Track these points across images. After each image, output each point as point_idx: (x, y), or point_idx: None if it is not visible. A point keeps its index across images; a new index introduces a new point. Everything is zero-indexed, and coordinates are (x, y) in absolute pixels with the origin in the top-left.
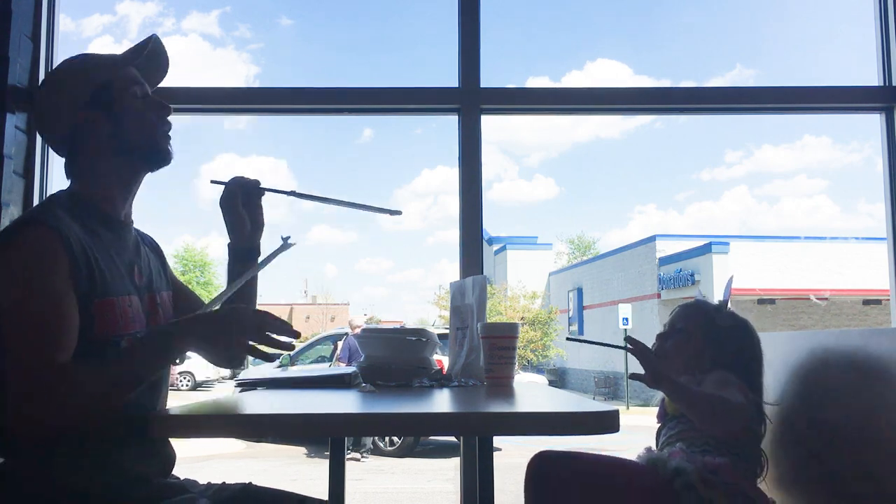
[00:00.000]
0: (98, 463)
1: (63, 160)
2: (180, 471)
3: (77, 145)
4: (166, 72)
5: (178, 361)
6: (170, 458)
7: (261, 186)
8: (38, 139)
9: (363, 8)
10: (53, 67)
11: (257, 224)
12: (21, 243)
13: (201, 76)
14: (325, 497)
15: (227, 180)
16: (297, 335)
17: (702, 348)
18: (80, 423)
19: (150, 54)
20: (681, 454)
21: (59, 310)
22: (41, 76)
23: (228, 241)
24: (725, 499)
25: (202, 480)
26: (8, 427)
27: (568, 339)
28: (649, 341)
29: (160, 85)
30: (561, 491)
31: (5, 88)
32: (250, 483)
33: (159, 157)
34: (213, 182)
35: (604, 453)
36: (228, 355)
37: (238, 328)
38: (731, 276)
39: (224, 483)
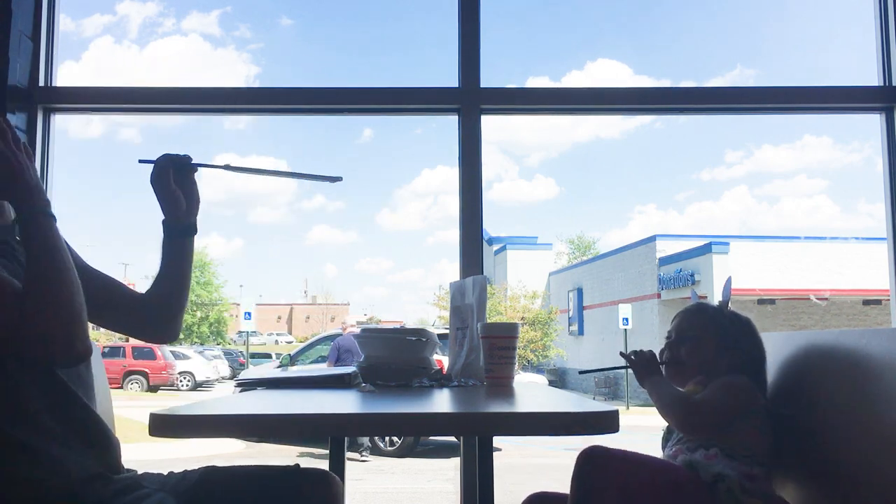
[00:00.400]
0: (48, 463)
1: None
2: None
3: None
4: None
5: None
6: (116, 449)
7: (192, 162)
8: (38, 139)
9: (363, 8)
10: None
11: (193, 200)
12: None
13: (201, 76)
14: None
15: (155, 158)
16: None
17: (715, 353)
18: (78, 324)
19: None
20: (719, 458)
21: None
22: (41, 76)
23: (163, 217)
24: None
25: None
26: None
27: (581, 372)
28: (649, 342)
29: (167, 85)
30: (606, 488)
31: (5, 88)
32: (211, 465)
33: None
34: (140, 161)
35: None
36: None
37: None
38: (730, 277)
39: (186, 471)
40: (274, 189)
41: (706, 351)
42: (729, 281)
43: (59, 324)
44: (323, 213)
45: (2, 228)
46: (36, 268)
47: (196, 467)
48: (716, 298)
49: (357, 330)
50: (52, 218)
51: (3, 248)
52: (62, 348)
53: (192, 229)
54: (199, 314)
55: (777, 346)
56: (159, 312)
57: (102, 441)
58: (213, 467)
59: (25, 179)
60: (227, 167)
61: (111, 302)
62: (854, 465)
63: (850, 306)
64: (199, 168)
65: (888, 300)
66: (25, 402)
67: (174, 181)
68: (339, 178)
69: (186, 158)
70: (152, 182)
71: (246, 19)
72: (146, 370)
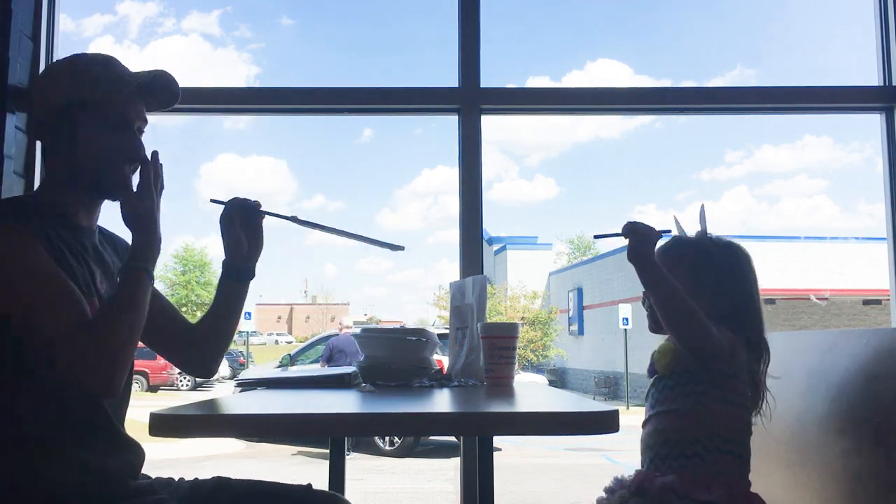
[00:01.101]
0: (66, 462)
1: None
2: (180, 471)
3: (44, 143)
4: (171, 103)
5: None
6: (139, 457)
7: (261, 210)
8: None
9: (363, 8)
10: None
11: (256, 246)
12: (7, 243)
13: (202, 76)
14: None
15: (226, 200)
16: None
17: (697, 300)
18: (126, 361)
19: (151, 86)
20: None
21: (62, 276)
22: None
23: (224, 258)
24: None
25: (177, 478)
26: (81, 388)
27: (595, 236)
28: (649, 341)
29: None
30: None
31: (5, 88)
32: (223, 478)
33: (108, 195)
34: (212, 201)
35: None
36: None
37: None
38: (703, 205)
39: (196, 479)
40: (274, 189)
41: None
42: (703, 209)
43: (106, 367)
44: (323, 213)
45: (84, 230)
46: (112, 311)
47: (207, 477)
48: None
49: (353, 330)
50: (151, 278)
51: (79, 249)
52: (96, 386)
53: (250, 273)
54: (199, 314)
55: (777, 347)
56: (206, 351)
57: (124, 447)
58: (225, 480)
59: (155, 234)
60: (293, 219)
61: (168, 332)
62: (854, 465)
63: (850, 306)
64: (266, 215)
65: (888, 300)
66: (51, 405)
67: (240, 225)
68: (400, 248)
69: (256, 205)
70: (221, 223)
71: (246, 19)
72: (146, 370)
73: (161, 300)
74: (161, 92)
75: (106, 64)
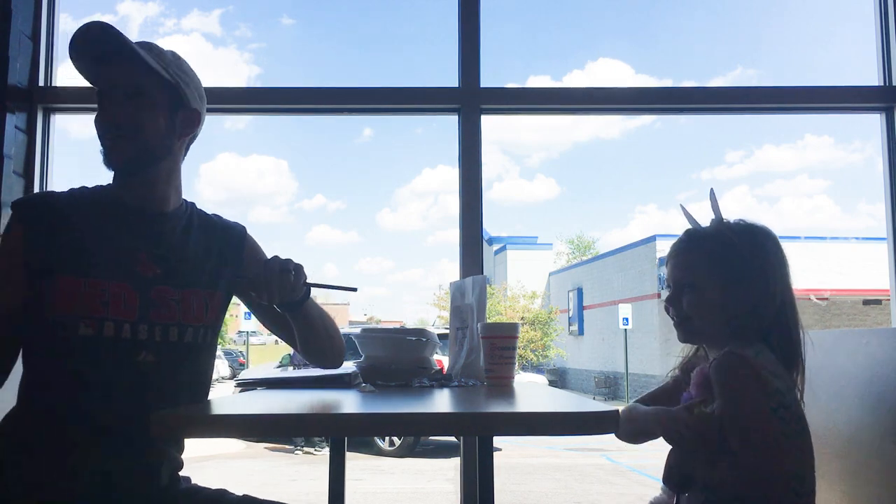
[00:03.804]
0: (91, 462)
1: None
2: (180, 471)
3: None
4: (106, 48)
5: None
6: (176, 462)
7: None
8: (38, 139)
9: (363, 8)
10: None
11: (281, 292)
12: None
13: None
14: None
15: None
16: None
17: (722, 299)
18: None
19: (74, 43)
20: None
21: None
22: (41, 76)
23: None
24: None
25: (198, 481)
26: None
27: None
28: (649, 341)
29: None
30: None
31: (5, 88)
32: (224, 490)
33: (105, 161)
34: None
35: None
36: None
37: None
38: (712, 189)
39: (196, 485)
40: (274, 189)
41: (712, 299)
42: (713, 193)
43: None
44: (323, 213)
45: (130, 209)
46: (322, 323)
47: (212, 487)
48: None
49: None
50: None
51: (118, 227)
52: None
53: (296, 306)
54: None
55: None
56: (322, 359)
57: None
58: (221, 492)
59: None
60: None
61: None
62: (854, 466)
63: (850, 306)
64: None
65: (888, 300)
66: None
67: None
68: (354, 289)
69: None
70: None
71: (247, 19)
72: None
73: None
74: (86, 44)
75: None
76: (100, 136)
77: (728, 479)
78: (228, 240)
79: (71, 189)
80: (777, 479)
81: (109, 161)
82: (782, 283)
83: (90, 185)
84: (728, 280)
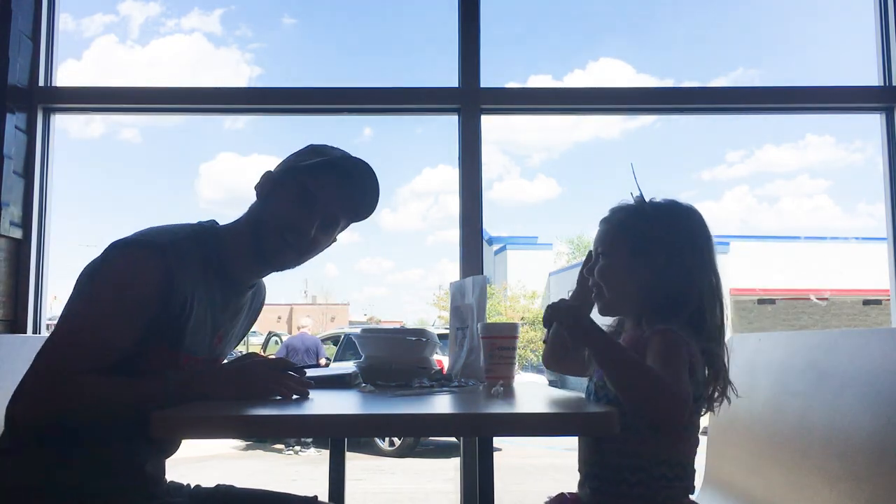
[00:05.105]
0: (105, 462)
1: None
2: (180, 471)
3: (258, 202)
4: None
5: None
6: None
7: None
8: (38, 139)
9: (363, 7)
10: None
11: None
12: (128, 258)
13: (203, 76)
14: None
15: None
16: (309, 384)
17: (627, 276)
18: (76, 425)
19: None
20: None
21: (115, 329)
22: (41, 76)
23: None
24: None
25: (197, 481)
26: (14, 416)
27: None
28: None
29: (167, 85)
30: None
31: (5, 88)
32: (223, 484)
33: (261, 253)
34: None
35: None
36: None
37: (256, 387)
38: (632, 163)
39: (199, 486)
40: None
41: (618, 268)
42: (632, 167)
43: (36, 406)
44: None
45: (235, 283)
46: (100, 389)
47: (210, 483)
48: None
49: (306, 330)
50: (156, 408)
51: (218, 302)
52: (16, 410)
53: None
54: None
55: (777, 347)
56: None
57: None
58: (226, 487)
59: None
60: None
61: None
62: (853, 466)
63: (850, 306)
64: None
65: (888, 300)
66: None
67: None
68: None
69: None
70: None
71: (247, 18)
72: None
73: None
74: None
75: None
76: (283, 231)
77: (614, 461)
78: (258, 305)
79: (179, 233)
80: (663, 461)
81: (273, 259)
82: (699, 263)
83: (178, 218)
84: (634, 250)
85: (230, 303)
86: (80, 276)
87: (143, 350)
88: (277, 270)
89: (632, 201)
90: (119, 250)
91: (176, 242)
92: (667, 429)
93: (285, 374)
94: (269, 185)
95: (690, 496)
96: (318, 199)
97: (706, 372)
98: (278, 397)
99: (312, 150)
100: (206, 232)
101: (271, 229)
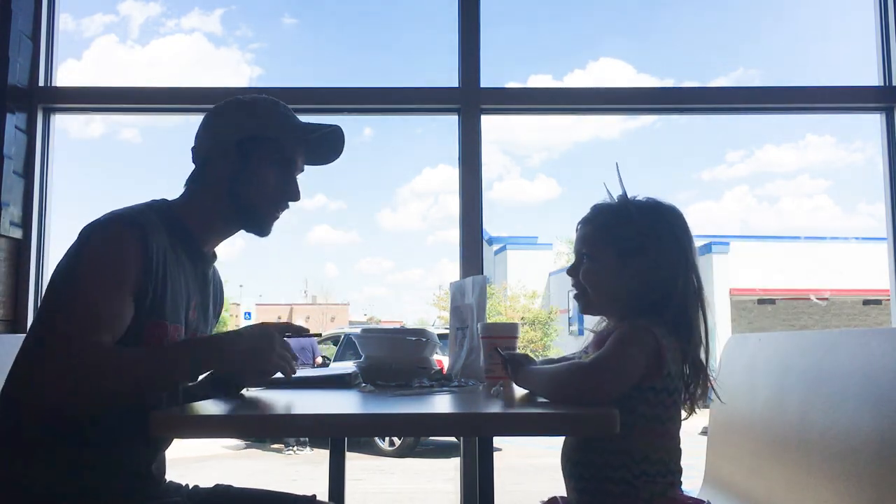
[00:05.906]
0: (104, 461)
1: (193, 168)
2: (179, 471)
3: (205, 168)
4: (334, 157)
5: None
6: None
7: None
8: (38, 139)
9: (363, 7)
10: (249, 97)
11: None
12: (106, 235)
13: (204, 75)
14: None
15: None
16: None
17: (613, 275)
18: (104, 406)
19: (320, 139)
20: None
21: (114, 302)
22: (41, 76)
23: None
24: None
25: (196, 481)
26: (37, 403)
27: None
28: None
29: (167, 85)
30: None
31: (5, 88)
32: (226, 485)
33: (256, 228)
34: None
35: None
36: (261, 375)
37: (270, 362)
38: (616, 163)
39: (197, 486)
40: None
41: (604, 270)
42: (617, 167)
43: (57, 388)
44: (323, 212)
45: (203, 256)
46: (124, 360)
47: (209, 483)
48: (716, 299)
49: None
50: (177, 385)
51: (187, 273)
52: (34, 397)
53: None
54: None
55: (777, 347)
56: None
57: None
58: (225, 487)
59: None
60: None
61: None
62: (853, 466)
63: (850, 306)
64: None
65: (888, 300)
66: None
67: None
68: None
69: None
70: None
71: (248, 18)
72: None
73: None
74: (328, 149)
75: (278, 109)
76: (276, 199)
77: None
78: (221, 289)
79: (140, 209)
80: (644, 458)
81: (268, 229)
82: (683, 263)
83: (134, 196)
84: (620, 251)
85: (198, 270)
86: (58, 266)
87: (137, 324)
88: (258, 235)
89: (614, 200)
90: (97, 230)
91: (142, 213)
92: (595, 403)
93: (292, 355)
94: (232, 153)
95: (678, 490)
96: (295, 162)
97: (685, 369)
98: (280, 375)
99: (249, 106)
100: (163, 206)
101: (267, 201)
